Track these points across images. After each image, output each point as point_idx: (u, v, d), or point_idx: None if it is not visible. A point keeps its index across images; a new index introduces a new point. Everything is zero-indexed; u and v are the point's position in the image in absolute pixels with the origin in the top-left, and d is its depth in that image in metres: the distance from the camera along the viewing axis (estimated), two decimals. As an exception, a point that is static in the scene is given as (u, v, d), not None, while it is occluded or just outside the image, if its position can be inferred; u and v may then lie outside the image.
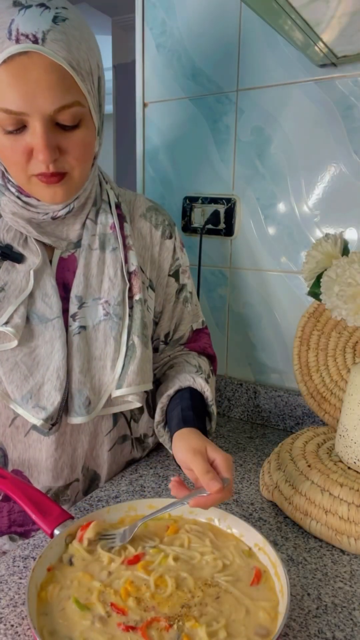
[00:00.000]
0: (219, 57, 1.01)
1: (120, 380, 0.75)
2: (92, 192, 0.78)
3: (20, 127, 0.64)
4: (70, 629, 0.50)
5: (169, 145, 1.11)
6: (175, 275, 0.89)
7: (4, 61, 0.60)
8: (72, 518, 0.62)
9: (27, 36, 0.59)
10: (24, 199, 0.72)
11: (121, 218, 0.81)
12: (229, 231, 1.06)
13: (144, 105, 1.12)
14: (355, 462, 0.73)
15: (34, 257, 0.74)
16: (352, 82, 0.88)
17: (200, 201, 1.08)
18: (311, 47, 0.80)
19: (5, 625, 0.54)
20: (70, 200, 0.73)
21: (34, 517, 0.62)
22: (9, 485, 0.65)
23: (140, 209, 0.86)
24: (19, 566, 0.63)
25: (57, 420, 0.72)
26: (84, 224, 0.78)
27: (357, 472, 0.74)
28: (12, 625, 0.54)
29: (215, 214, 1.06)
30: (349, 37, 0.75)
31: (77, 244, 0.78)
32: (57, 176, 0.68)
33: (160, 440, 0.83)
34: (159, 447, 0.95)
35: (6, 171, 0.71)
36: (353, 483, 0.70)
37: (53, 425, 0.72)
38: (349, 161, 0.91)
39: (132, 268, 0.79)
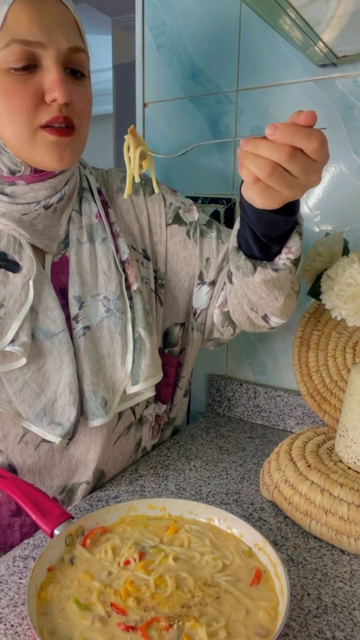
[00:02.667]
0: (219, 57, 1.01)
1: (135, 375, 0.74)
2: (78, 179, 0.77)
3: (31, 66, 0.62)
4: (70, 629, 0.50)
5: (169, 146, 1.11)
6: (177, 219, 0.84)
7: None
8: (72, 518, 0.62)
9: None
10: (9, 189, 0.68)
11: (105, 204, 0.79)
12: (229, 227, 1.06)
13: (144, 105, 1.12)
14: (355, 462, 0.73)
15: (29, 265, 0.70)
16: (352, 82, 0.88)
17: (200, 201, 1.08)
18: (311, 47, 0.80)
19: (5, 625, 0.54)
20: (70, 169, 0.71)
21: (34, 517, 0.62)
22: (9, 485, 0.65)
23: (115, 184, 0.83)
24: (19, 566, 0.63)
25: (74, 434, 0.70)
26: (69, 218, 0.75)
27: (357, 472, 0.74)
28: (12, 625, 0.54)
29: (215, 214, 1.06)
30: (349, 37, 0.75)
31: (66, 242, 0.75)
32: (67, 129, 0.65)
33: (234, 266, 0.68)
34: (158, 447, 0.95)
35: None
36: (353, 483, 0.70)
37: (70, 439, 0.70)
38: (349, 161, 0.91)
39: (125, 257, 0.77)
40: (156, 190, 0.65)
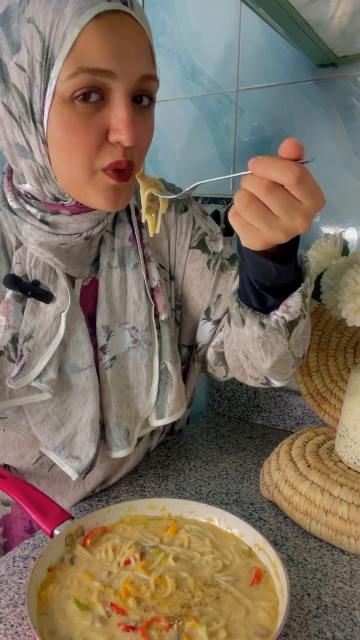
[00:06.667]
0: (219, 57, 1.01)
1: (160, 408, 0.73)
2: None
3: (97, 100, 0.55)
4: (70, 629, 0.50)
5: (169, 145, 1.11)
6: (202, 245, 0.79)
7: (96, 16, 0.53)
8: (72, 518, 0.62)
9: None
10: (50, 218, 0.63)
11: (140, 225, 0.74)
12: (229, 231, 1.06)
13: (144, 105, 1.12)
14: (355, 462, 0.73)
15: (63, 297, 0.65)
16: (352, 82, 0.88)
17: (200, 201, 1.08)
18: (311, 47, 0.80)
19: (5, 625, 0.54)
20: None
21: (34, 517, 0.62)
22: (9, 485, 0.65)
23: None
24: (19, 566, 0.63)
25: (91, 468, 0.69)
26: (101, 239, 0.71)
27: (357, 472, 0.74)
28: (12, 625, 0.54)
29: (215, 214, 1.06)
30: (349, 37, 0.75)
31: (96, 265, 0.71)
32: (127, 171, 0.59)
33: (230, 311, 0.65)
34: (158, 447, 0.95)
35: (32, 181, 0.61)
36: (353, 483, 0.70)
37: (87, 473, 0.69)
38: (349, 161, 0.91)
39: (154, 283, 0.73)
40: (157, 231, 0.61)
